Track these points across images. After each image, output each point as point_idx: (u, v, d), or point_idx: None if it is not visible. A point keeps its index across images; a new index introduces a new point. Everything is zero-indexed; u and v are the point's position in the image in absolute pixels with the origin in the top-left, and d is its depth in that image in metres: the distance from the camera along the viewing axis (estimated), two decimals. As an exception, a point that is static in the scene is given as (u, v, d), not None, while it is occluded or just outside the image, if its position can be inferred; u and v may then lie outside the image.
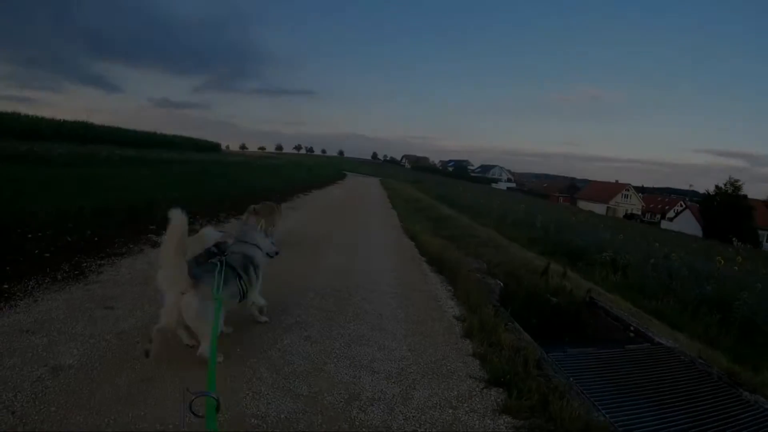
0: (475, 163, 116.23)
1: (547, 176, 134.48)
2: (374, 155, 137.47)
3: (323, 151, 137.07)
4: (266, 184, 15.63)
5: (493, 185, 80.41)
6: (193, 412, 1.29)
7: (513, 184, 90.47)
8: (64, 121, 26.95)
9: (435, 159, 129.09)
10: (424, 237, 8.06)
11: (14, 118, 23.75)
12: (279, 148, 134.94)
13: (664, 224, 54.66)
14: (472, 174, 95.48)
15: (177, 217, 2.34)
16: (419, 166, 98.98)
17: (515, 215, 15.00)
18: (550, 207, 37.39)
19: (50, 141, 21.78)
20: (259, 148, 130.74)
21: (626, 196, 66.68)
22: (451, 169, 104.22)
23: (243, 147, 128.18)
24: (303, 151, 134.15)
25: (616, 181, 72.31)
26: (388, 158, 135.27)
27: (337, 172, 43.03)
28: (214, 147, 51.50)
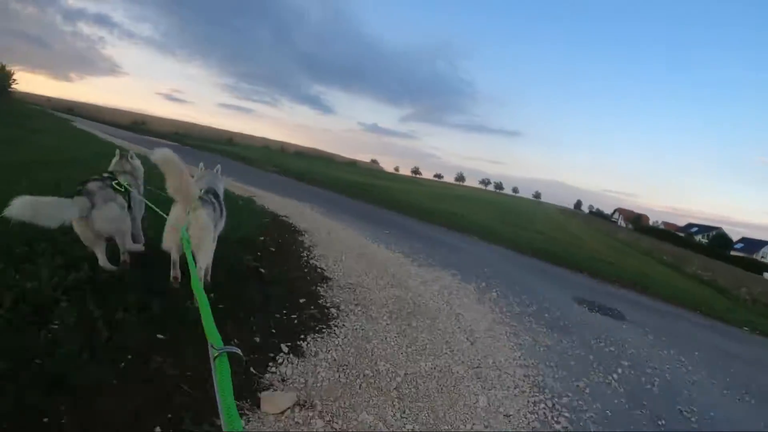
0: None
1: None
2: (578, 204, 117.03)
3: (514, 190, 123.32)
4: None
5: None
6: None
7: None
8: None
9: (653, 219, 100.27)
10: None
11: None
12: (460, 178, 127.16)
13: None
14: (734, 253, 63.54)
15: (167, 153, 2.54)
16: (642, 226, 75.49)
17: None
18: None
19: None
20: (435, 175, 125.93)
21: None
22: (703, 240, 71.42)
23: (415, 171, 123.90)
24: (491, 187, 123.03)
25: None
26: (594, 209, 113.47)
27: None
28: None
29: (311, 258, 5.20)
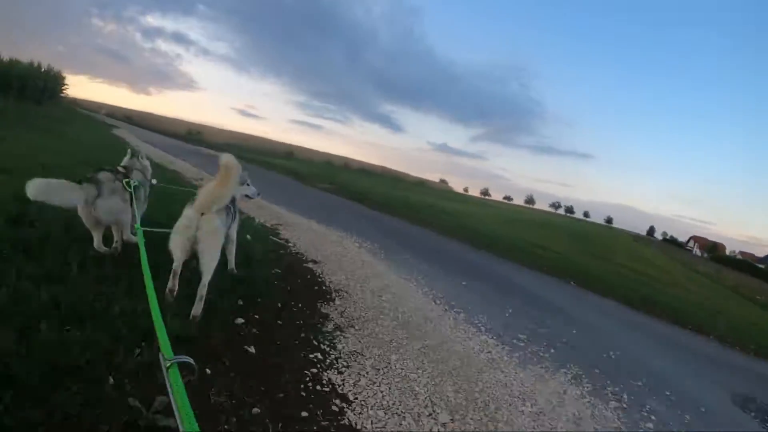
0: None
1: None
2: (651, 230, 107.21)
3: (585, 215, 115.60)
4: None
5: None
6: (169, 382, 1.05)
7: None
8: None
9: (730, 248, 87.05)
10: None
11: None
12: (530, 201, 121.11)
13: None
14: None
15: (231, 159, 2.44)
16: (719, 256, 66.20)
17: None
18: None
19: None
20: (504, 197, 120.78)
21: None
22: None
23: (485, 193, 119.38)
24: (561, 211, 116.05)
25: None
26: (667, 237, 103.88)
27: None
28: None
29: (331, 364, 2.66)
